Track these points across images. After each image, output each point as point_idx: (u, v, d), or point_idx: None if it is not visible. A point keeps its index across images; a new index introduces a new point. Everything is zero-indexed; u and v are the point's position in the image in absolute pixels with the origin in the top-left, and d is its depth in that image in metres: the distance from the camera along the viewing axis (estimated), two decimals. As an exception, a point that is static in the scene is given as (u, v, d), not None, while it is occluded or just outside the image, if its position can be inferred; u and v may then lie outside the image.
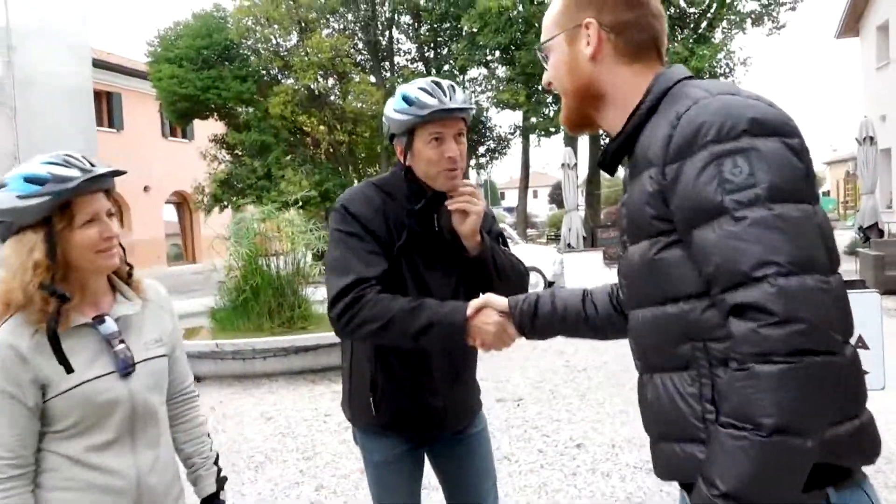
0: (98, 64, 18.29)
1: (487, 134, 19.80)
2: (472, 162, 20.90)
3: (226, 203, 17.59)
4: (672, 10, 16.71)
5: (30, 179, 1.53)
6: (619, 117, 1.32)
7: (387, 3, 18.97)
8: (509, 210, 35.60)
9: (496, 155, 20.71)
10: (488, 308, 1.72)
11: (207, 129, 20.91)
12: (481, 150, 20.23)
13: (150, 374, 1.69)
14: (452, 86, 1.95)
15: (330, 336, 7.35)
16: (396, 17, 19.42)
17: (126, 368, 1.63)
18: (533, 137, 19.33)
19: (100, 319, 1.64)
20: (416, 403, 2.03)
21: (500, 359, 7.64)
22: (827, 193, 41.25)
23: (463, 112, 1.92)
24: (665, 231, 1.18)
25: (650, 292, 1.24)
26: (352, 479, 4.34)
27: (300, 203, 16.76)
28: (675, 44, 15.92)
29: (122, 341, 1.64)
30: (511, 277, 2.03)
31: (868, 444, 1.18)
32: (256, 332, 8.21)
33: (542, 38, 1.42)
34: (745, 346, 1.05)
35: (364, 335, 1.84)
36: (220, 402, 6.40)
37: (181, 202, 23.99)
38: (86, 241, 1.57)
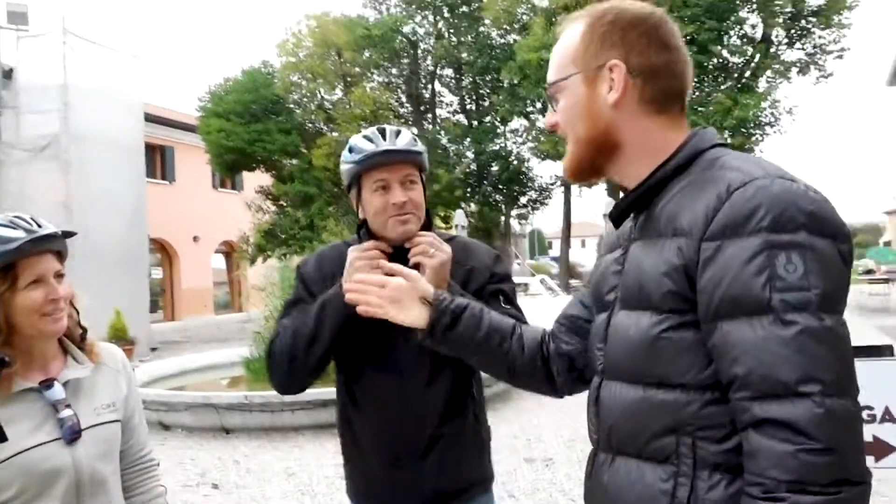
0: (153, 119, 19.01)
1: (529, 184, 19.81)
2: (514, 212, 20.90)
3: (269, 253, 17.88)
4: (714, 61, 16.62)
5: None
6: (637, 171, 1.18)
7: (429, 58, 19.38)
8: (555, 260, 35.32)
9: (537, 205, 20.68)
10: (401, 278, 1.44)
11: (256, 180, 21.45)
12: (523, 200, 20.23)
13: (99, 441, 1.62)
14: (397, 130, 1.82)
15: (359, 389, 7.26)
16: (438, 71, 19.81)
17: (72, 435, 1.56)
18: (575, 188, 19.26)
19: (47, 384, 1.58)
20: (382, 476, 1.85)
21: (532, 415, 7.44)
22: (888, 244, 39.88)
23: (407, 155, 1.78)
24: (679, 310, 1.05)
25: (641, 370, 1.10)
26: (365, 543, 4.19)
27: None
28: (718, 94, 15.78)
29: (68, 406, 1.58)
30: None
31: None
32: (289, 383, 8.20)
33: (553, 76, 1.23)
34: (775, 470, 0.93)
35: (286, 368, 1.80)
36: (245, 455, 6.34)
37: (229, 252, 24.49)
38: (29, 303, 1.52)
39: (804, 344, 0.93)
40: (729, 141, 15.65)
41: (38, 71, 13.61)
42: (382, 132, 1.80)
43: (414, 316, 1.41)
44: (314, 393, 7.20)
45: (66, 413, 1.56)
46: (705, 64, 16.27)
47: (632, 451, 1.11)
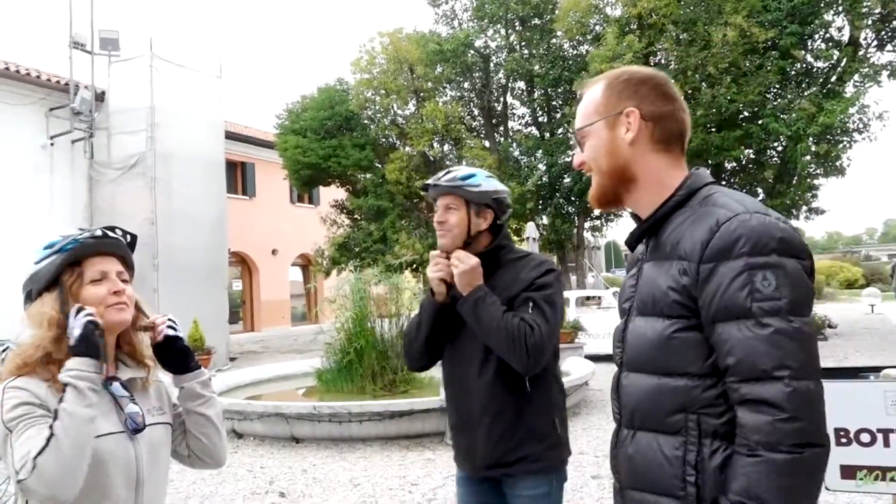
0: (233, 136, 19.73)
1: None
2: (587, 224, 20.57)
3: (343, 266, 18.17)
4: (797, 66, 15.96)
5: (45, 246, 1.67)
6: (648, 200, 1.49)
7: (501, 71, 19.36)
8: (632, 272, 34.60)
9: (611, 217, 20.29)
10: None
11: (331, 194, 21.91)
12: (596, 212, 19.87)
13: (153, 438, 1.70)
14: (449, 169, 2.48)
15: (425, 402, 7.29)
16: (510, 84, 19.76)
17: (136, 428, 1.64)
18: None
19: (111, 380, 1.67)
20: (456, 439, 2.46)
21: (602, 431, 7.28)
22: None
23: (439, 189, 2.41)
24: (685, 316, 1.36)
25: (656, 363, 1.41)
26: (425, 556, 4.18)
27: (414, 266, 17.09)
28: (802, 100, 15.13)
29: (133, 401, 1.66)
30: (492, 339, 2.22)
31: None
32: (359, 394, 8.30)
33: (580, 124, 1.55)
34: (756, 435, 1.25)
35: (405, 346, 2.62)
36: (312, 464, 6.44)
37: (306, 265, 25.08)
38: (92, 297, 1.63)
39: (777, 340, 1.25)
40: (813, 149, 15.04)
41: (128, 93, 14.35)
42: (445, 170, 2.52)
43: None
44: (383, 404, 7.27)
45: (132, 408, 1.65)
46: (788, 69, 15.63)
47: (650, 426, 1.42)
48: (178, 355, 1.78)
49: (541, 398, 2.30)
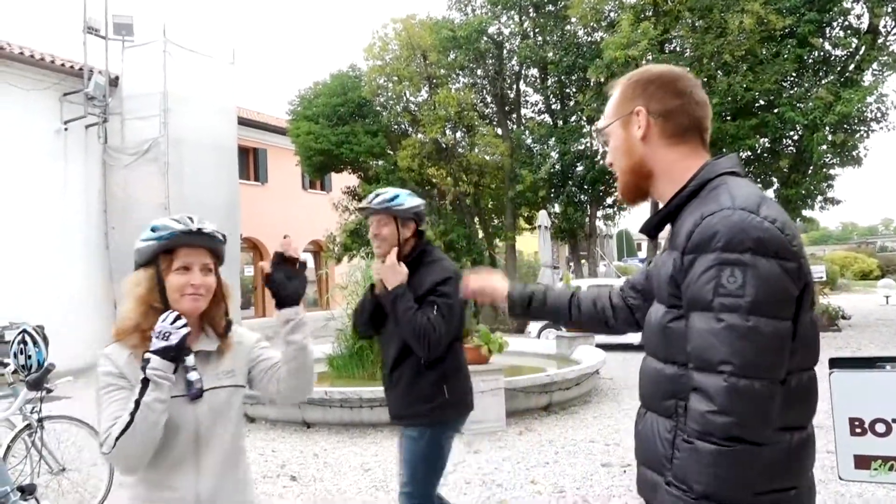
0: (246, 122, 19.72)
1: (615, 185, 19.24)
2: (600, 213, 20.46)
3: (354, 252, 18.18)
4: (815, 54, 15.74)
5: (152, 228, 1.91)
6: (665, 191, 1.55)
7: (514, 58, 19.23)
8: (643, 262, 34.38)
9: (623, 206, 20.13)
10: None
11: (343, 181, 21.90)
12: (609, 200, 19.77)
13: (215, 402, 1.89)
14: (377, 192, 3.18)
15: (436, 388, 7.30)
16: (524, 71, 19.64)
17: (194, 394, 1.81)
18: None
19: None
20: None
21: (612, 420, 7.27)
22: None
23: (370, 210, 3.10)
24: (677, 306, 1.42)
25: (659, 349, 1.49)
26: (435, 541, 4.19)
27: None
28: (819, 88, 14.94)
29: (195, 370, 1.83)
30: (403, 328, 2.91)
31: None
32: (370, 380, 8.31)
33: (601, 125, 1.65)
34: (693, 423, 1.32)
35: None
36: (324, 449, 6.48)
37: (317, 251, 25.13)
38: (174, 284, 1.87)
39: (727, 336, 1.28)
40: (830, 138, 14.86)
41: (141, 78, 14.36)
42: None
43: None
44: (392, 390, 7.29)
45: (193, 375, 1.83)
46: (805, 58, 15.42)
47: (653, 408, 1.50)
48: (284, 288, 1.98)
49: (433, 371, 2.99)
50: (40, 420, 4.51)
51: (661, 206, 1.58)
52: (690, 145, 1.55)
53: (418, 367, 2.99)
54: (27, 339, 4.43)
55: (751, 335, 1.27)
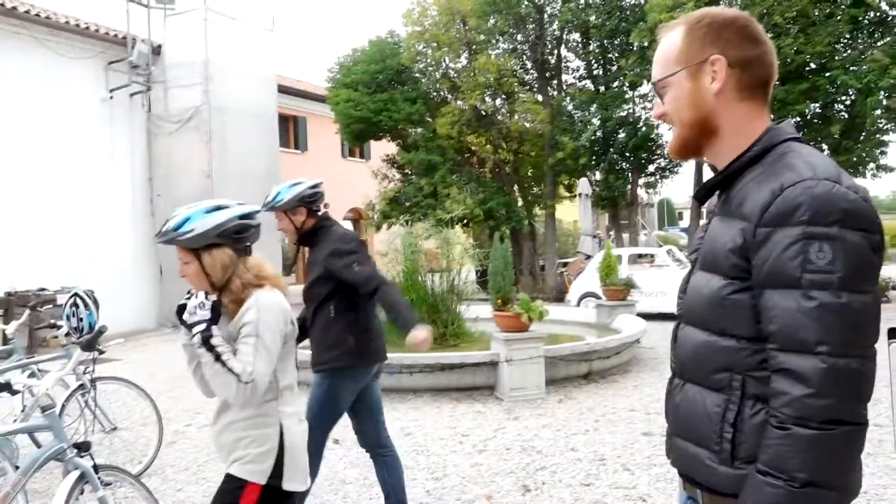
0: (286, 90, 19.78)
1: (658, 152, 18.94)
2: (642, 181, 20.10)
3: (394, 220, 18.25)
4: (871, 14, 15.09)
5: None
6: (726, 152, 1.43)
7: (555, 22, 18.84)
8: (685, 231, 33.82)
9: (666, 174, 19.76)
10: None
11: (382, 149, 21.90)
12: (651, 168, 19.39)
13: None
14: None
15: (476, 355, 7.34)
16: (565, 35, 19.23)
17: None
18: (707, 155, 18.16)
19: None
20: None
21: (653, 389, 7.23)
22: None
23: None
24: (740, 278, 1.33)
25: (710, 320, 1.40)
26: (476, 505, 4.24)
27: (464, 221, 17.05)
28: (874, 51, 14.35)
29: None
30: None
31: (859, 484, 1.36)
32: (409, 346, 8.38)
33: (660, 74, 1.48)
34: (787, 408, 1.23)
35: None
36: (365, 414, 6.56)
37: (357, 219, 25.29)
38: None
39: (821, 315, 1.21)
40: (884, 103, 14.30)
41: (183, 47, 14.47)
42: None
43: None
44: (434, 357, 7.35)
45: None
46: (860, 18, 14.80)
47: (696, 380, 1.43)
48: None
49: (340, 324, 3.48)
50: (93, 381, 4.64)
51: (707, 167, 1.49)
52: (757, 102, 1.43)
53: (327, 320, 3.49)
54: (79, 302, 4.55)
55: (844, 312, 1.21)
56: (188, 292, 2.21)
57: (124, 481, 3.29)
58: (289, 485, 2.17)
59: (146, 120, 14.76)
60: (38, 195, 12.37)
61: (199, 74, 14.17)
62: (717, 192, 1.49)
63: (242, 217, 2.25)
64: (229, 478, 2.17)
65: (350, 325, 3.49)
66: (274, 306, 2.19)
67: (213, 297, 2.17)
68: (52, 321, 5.45)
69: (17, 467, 3.23)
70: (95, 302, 4.61)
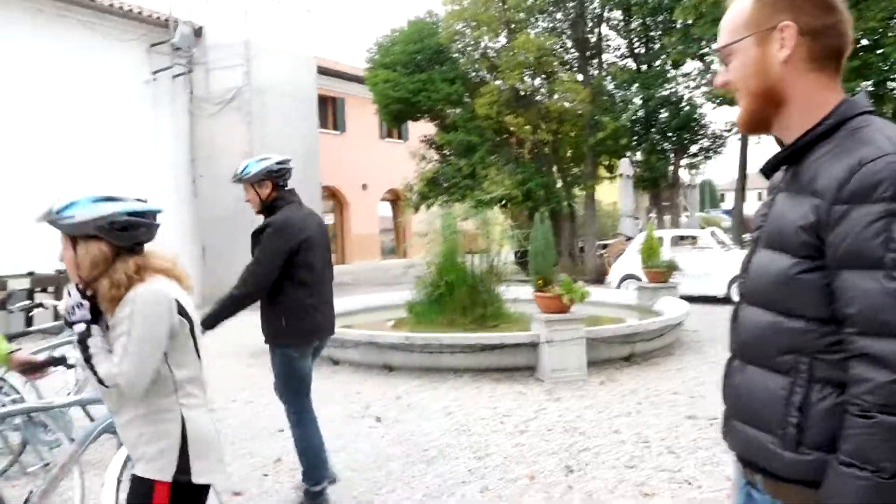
0: (325, 72, 19.84)
1: (701, 132, 18.55)
2: (684, 161, 19.72)
3: (432, 201, 18.22)
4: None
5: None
6: (795, 125, 1.36)
7: (596, 0, 18.51)
8: (728, 213, 33.15)
9: (710, 154, 19.35)
10: None
11: (420, 129, 21.87)
12: (693, 148, 19.00)
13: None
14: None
15: (517, 336, 7.31)
16: (606, 13, 18.88)
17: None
18: (752, 136, 17.68)
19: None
20: None
21: (696, 372, 7.12)
22: None
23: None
24: (811, 256, 1.27)
25: (776, 300, 1.34)
26: (519, 485, 4.23)
27: (503, 202, 16.95)
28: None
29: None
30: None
31: None
32: (449, 326, 8.39)
33: (726, 40, 1.42)
34: (870, 395, 1.17)
35: None
36: (406, 392, 6.60)
37: (395, 200, 25.36)
38: None
39: None
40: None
41: (224, 28, 14.59)
42: None
43: None
44: (474, 337, 7.35)
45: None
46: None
47: (760, 362, 1.37)
48: None
49: (275, 308, 3.76)
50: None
51: (783, 141, 1.41)
52: (829, 73, 1.35)
53: (267, 302, 3.78)
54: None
55: None
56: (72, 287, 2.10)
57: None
58: (199, 478, 2.07)
59: (188, 101, 14.94)
60: (85, 175, 12.62)
61: (240, 56, 14.28)
62: (784, 168, 1.42)
63: (132, 214, 2.06)
64: (136, 480, 2.08)
65: (279, 306, 3.76)
66: (150, 299, 2.02)
67: (90, 294, 2.05)
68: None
69: (71, 440, 3.31)
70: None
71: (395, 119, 19.88)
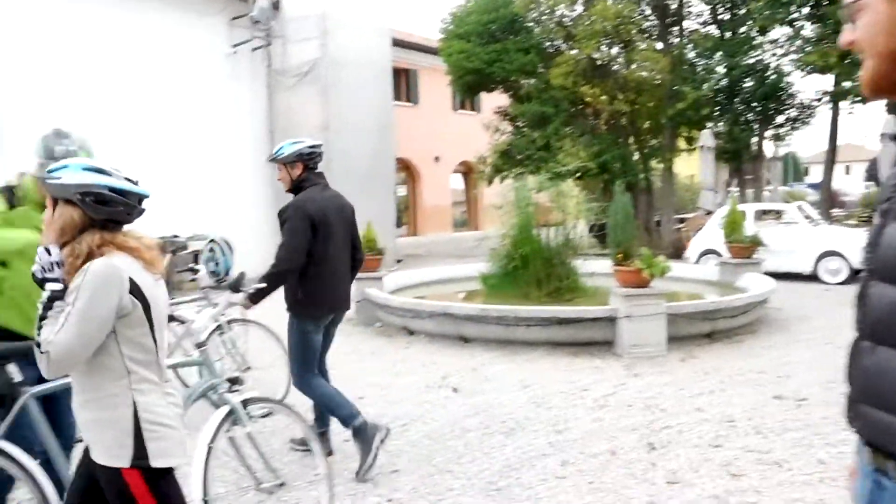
0: (399, 44, 19.81)
1: (788, 102, 17.68)
2: (769, 133, 18.88)
3: (505, 173, 18.04)
4: None
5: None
6: None
7: (679, -37, 17.79)
8: (814, 187, 31.66)
9: (797, 125, 18.43)
10: None
11: (493, 101, 21.65)
12: (780, 119, 18.15)
13: None
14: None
15: (594, 310, 7.21)
16: (689, -22, 18.15)
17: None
18: (844, 105, 16.78)
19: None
20: None
21: (783, 351, 6.87)
22: None
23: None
24: None
25: None
26: (600, 460, 4.18)
27: (578, 174, 16.64)
28: None
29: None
30: None
31: None
32: (523, 299, 8.34)
33: None
34: None
35: None
36: (482, 364, 6.61)
37: (467, 172, 25.28)
38: None
39: None
40: None
41: (301, 1, 14.71)
42: None
43: None
44: (551, 310, 7.28)
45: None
46: None
47: (893, 342, 1.26)
48: None
49: (297, 278, 4.04)
50: (229, 322, 4.88)
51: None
52: None
53: (298, 281, 4.05)
54: (215, 248, 4.78)
55: None
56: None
57: (276, 410, 3.47)
58: (157, 462, 2.04)
59: (266, 75, 15.19)
60: (168, 147, 13.05)
61: (317, 28, 14.39)
62: None
63: (114, 190, 2.04)
64: (102, 469, 2.06)
65: (300, 278, 4.04)
66: (101, 273, 1.97)
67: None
68: (190, 265, 5.75)
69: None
70: (231, 248, 4.82)
71: (468, 90, 19.72)
